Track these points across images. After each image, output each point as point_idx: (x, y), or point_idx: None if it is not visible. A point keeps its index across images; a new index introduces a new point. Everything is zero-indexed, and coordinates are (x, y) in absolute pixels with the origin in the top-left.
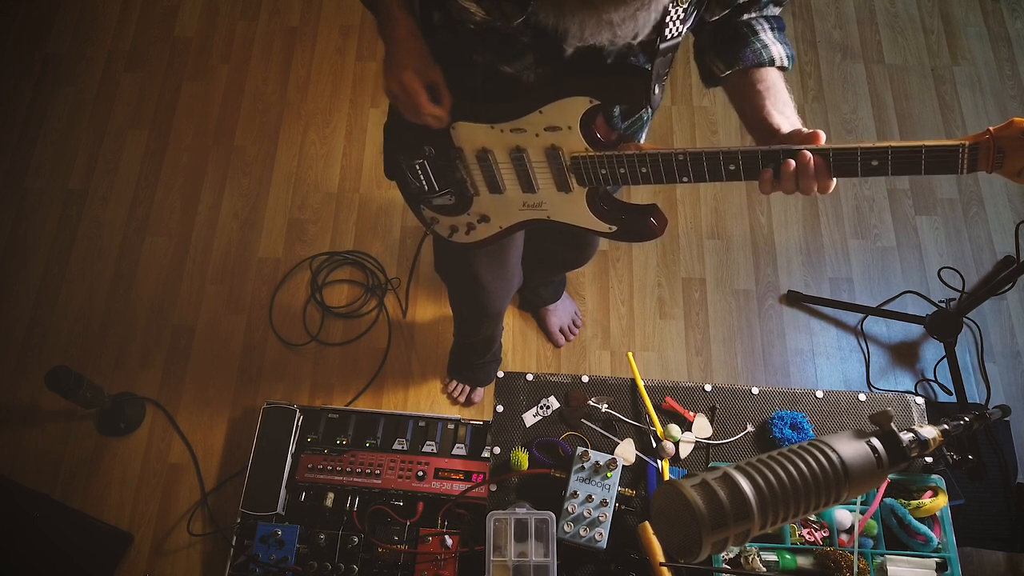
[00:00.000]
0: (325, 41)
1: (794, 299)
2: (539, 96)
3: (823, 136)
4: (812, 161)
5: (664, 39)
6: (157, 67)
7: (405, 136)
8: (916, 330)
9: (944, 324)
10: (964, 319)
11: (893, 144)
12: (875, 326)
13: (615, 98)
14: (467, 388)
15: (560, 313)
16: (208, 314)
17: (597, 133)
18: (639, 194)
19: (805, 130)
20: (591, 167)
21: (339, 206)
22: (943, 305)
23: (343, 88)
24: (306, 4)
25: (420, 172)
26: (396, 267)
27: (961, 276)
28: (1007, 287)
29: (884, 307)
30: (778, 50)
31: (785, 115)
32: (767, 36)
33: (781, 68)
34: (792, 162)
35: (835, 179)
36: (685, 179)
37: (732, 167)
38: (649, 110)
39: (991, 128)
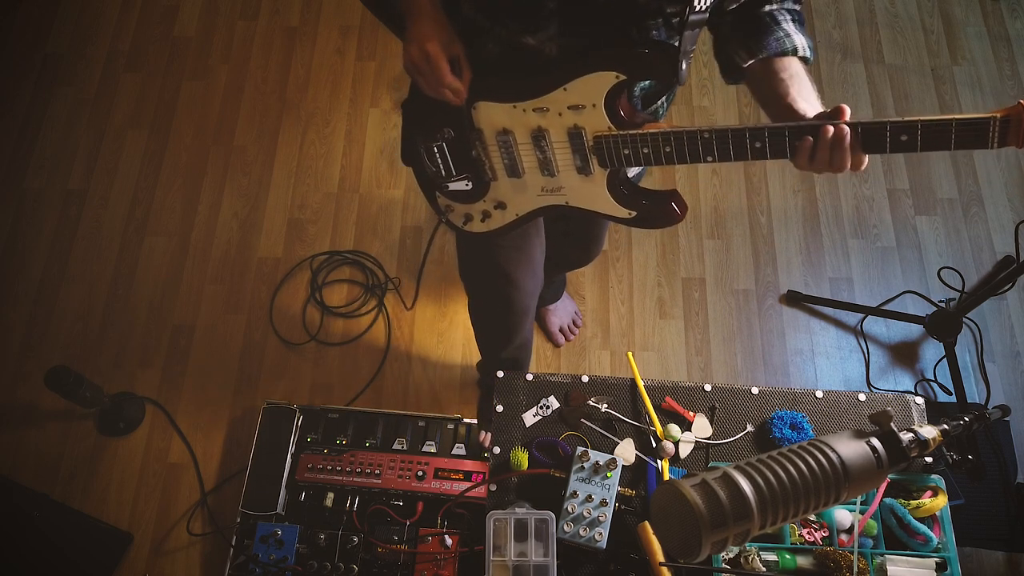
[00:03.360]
0: (325, 41)
1: (794, 299)
2: (563, 72)
3: (848, 110)
4: (848, 133)
5: (693, 11)
6: (157, 67)
7: (424, 117)
8: (916, 330)
9: (944, 324)
10: (964, 319)
11: (923, 118)
12: (875, 326)
13: (642, 72)
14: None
15: (560, 313)
16: (208, 314)
17: (621, 111)
18: None
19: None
20: (614, 147)
21: (339, 206)
22: (943, 305)
23: (343, 88)
24: (306, 4)
25: (438, 155)
26: (396, 267)
27: (961, 276)
28: (1007, 287)
29: (884, 307)
30: (801, 40)
31: (810, 103)
32: (789, 26)
33: (803, 59)
34: (830, 130)
35: (867, 156)
36: (710, 158)
37: (759, 144)
38: (665, 104)
39: (1022, 101)
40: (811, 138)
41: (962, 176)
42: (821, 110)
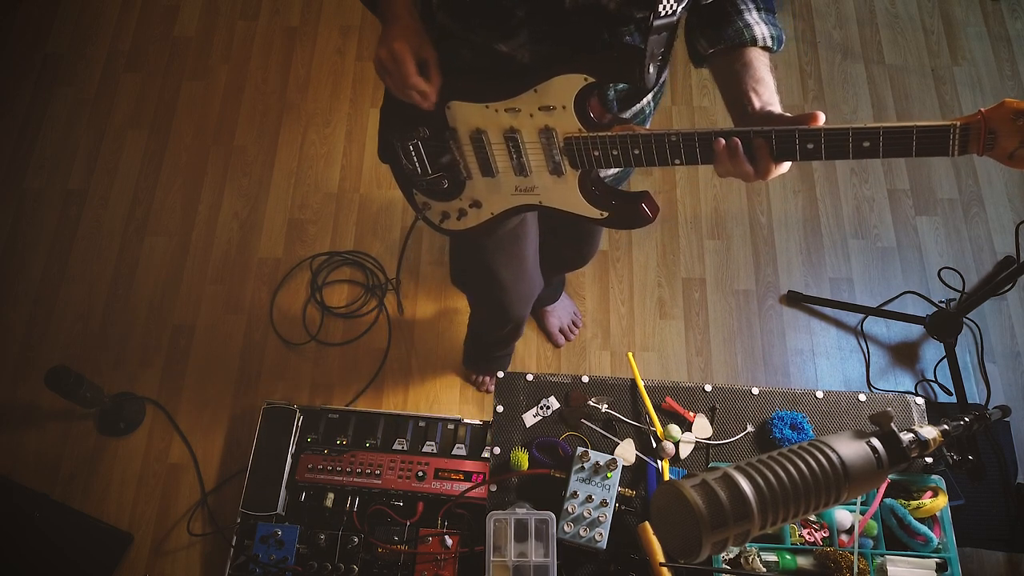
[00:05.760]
0: (325, 41)
1: (794, 299)
2: (534, 74)
3: (822, 117)
4: (739, 145)
5: (658, 16)
6: (157, 67)
7: (400, 117)
8: (916, 330)
9: (944, 324)
10: (964, 319)
11: (884, 125)
12: (875, 326)
13: (609, 75)
14: (489, 377)
15: (559, 313)
16: (208, 314)
17: (591, 113)
18: None
19: (778, 111)
20: (584, 148)
21: (339, 206)
22: (943, 305)
23: (343, 88)
24: (306, 4)
25: (413, 154)
26: (396, 267)
27: (961, 276)
28: (1007, 287)
29: (884, 307)
30: (762, 30)
31: (758, 93)
32: (752, 16)
33: (766, 48)
34: (721, 141)
35: (782, 164)
36: (677, 161)
37: None
38: (652, 104)
39: (982, 109)
40: (723, 141)
41: (962, 176)
42: (771, 101)
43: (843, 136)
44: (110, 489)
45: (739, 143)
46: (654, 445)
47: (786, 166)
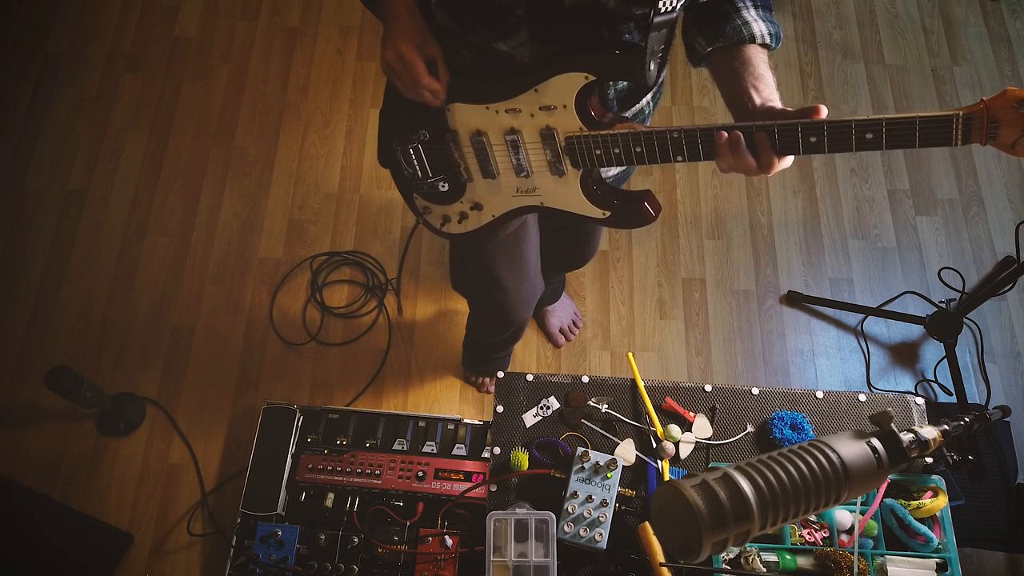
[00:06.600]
0: (325, 41)
1: (794, 299)
2: (534, 75)
3: (824, 110)
4: (741, 138)
5: (658, 12)
6: (157, 67)
7: (399, 120)
8: (916, 330)
9: (944, 324)
10: (964, 319)
11: (887, 116)
12: (875, 326)
13: (610, 73)
14: (488, 378)
15: (559, 314)
16: (208, 314)
17: (592, 112)
18: None
19: (780, 107)
20: (585, 147)
21: (339, 206)
22: (943, 305)
23: (343, 88)
24: (306, 4)
25: (414, 157)
26: (396, 267)
27: (961, 276)
28: (1007, 287)
29: (884, 307)
30: (760, 27)
31: (758, 90)
32: (750, 14)
33: (764, 46)
34: (724, 134)
35: (785, 158)
36: (680, 157)
37: None
38: (651, 105)
39: (984, 98)
40: (726, 134)
41: (962, 176)
42: (772, 98)
43: (846, 128)
44: (110, 489)
45: (741, 136)
46: (654, 445)
47: (789, 160)
